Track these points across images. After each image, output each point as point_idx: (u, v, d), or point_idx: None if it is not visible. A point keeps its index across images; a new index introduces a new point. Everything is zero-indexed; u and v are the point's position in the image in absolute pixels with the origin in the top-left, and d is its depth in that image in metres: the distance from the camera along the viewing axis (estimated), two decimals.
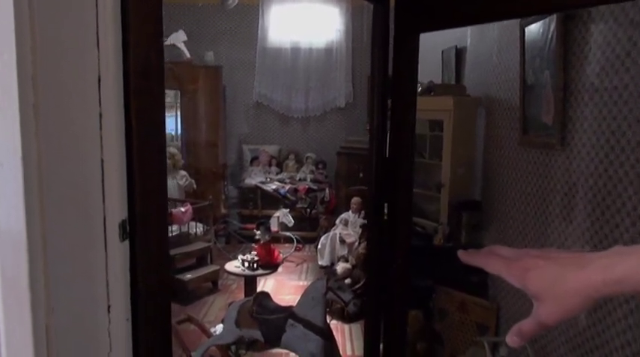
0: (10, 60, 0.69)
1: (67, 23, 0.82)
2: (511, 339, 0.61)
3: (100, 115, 0.88)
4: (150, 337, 1.00)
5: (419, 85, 4.47)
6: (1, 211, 0.71)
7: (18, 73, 0.69)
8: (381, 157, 2.00)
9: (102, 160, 0.89)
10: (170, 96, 7.15)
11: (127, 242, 0.94)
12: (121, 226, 0.93)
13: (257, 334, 3.09)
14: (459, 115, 4.00)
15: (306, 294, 3.06)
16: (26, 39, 0.71)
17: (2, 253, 0.71)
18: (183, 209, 5.11)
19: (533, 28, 2.89)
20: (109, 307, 0.92)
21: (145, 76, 0.95)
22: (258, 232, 4.42)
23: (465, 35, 4.39)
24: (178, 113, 6.66)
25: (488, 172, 3.77)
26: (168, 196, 5.71)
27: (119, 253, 0.92)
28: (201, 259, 5.19)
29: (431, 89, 4.26)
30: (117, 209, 0.92)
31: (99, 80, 0.88)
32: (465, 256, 0.68)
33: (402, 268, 1.93)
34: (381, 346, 2.11)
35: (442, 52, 4.86)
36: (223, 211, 6.57)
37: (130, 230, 0.95)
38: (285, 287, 5.12)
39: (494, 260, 0.65)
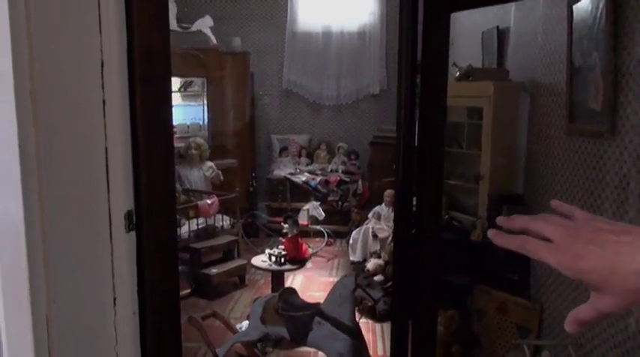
0: (4, 46, 0.70)
1: (65, 4, 0.83)
2: (569, 326, 0.61)
3: (104, 102, 0.90)
4: (158, 330, 1.01)
5: (457, 69, 4.40)
6: (0, 200, 0.73)
7: (13, 59, 0.70)
8: (409, 145, 1.97)
9: (106, 149, 0.90)
10: (198, 84, 7.26)
11: (133, 233, 0.96)
12: (127, 216, 0.95)
13: (283, 332, 3.11)
14: (499, 102, 3.90)
15: (333, 291, 3.06)
16: (21, 22, 0.72)
17: (1, 243, 0.74)
18: (209, 201, 5.18)
19: (582, 6, 2.79)
20: (114, 299, 0.94)
21: (150, 60, 0.96)
22: (286, 226, 4.44)
23: (508, 15, 4.27)
24: (205, 102, 6.74)
25: (532, 163, 3.67)
26: (195, 187, 5.81)
27: (125, 244, 0.94)
28: (227, 253, 5.25)
29: (469, 74, 4.17)
30: (122, 200, 0.93)
31: (102, 65, 0.89)
32: (499, 238, 0.62)
33: (431, 263, 1.90)
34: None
35: (482, 33, 4.74)
36: (251, 203, 6.63)
37: (137, 221, 0.97)
38: (314, 283, 5.13)
39: (537, 245, 0.60)
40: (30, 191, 0.76)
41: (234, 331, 3.66)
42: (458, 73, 4.30)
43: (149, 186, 1.01)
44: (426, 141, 1.95)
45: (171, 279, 1.06)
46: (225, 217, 5.48)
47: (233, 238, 5.36)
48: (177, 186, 5.63)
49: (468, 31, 5.02)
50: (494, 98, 3.90)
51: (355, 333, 2.94)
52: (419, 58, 2.01)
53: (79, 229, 0.91)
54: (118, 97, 0.95)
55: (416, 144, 1.98)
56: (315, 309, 3.04)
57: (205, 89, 6.63)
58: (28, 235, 0.75)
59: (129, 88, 0.97)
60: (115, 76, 0.94)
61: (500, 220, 0.65)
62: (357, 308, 4.14)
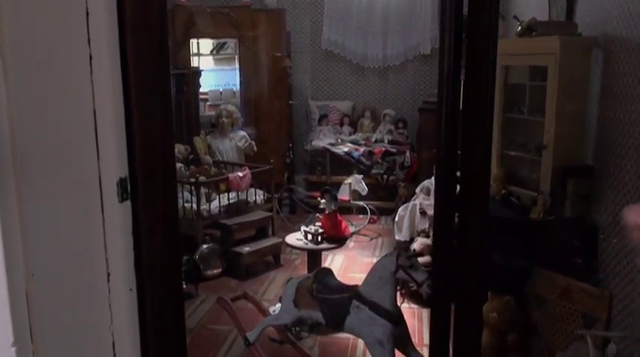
0: None
1: None
2: None
3: (90, 57, 0.88)
4: (158, 309, 1.02)
5: (518, 23, 4.22)
6: None
7: None
8: (453, 109, 1.91)
9: (94, 110, 0.89)
10: (230, 46, 7.28)
11: (128, 203, 0.96)
12: (120, 184, 0.95)
13: (318, 316, 3.13)
14: (567, 60, 3.73)
15: (372, 272, 3.05)
16: None
17: None
18: (241, 174, 5.23)
19: None
20: (108, 275, 0.94)
21: (144, 9, 0.93)
22: (323, 201, 4.43)
23: None
24: (238, 65, 6.77)
25: (605, 131, 3.52)
26: (226, 159, 5.88)
27: (118, 215, 0.94)
28: (261, 231, 5.32)
29: (532, 28, 4.00)
30: (114, 166, 0.92)
31: (87, 15, 0.87)
32: (634, 214, 0.60)
33: (476, 243, 1.85)
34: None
35: None
36: (287, 176, 6.66)
37: (132, 190, 0.97)
38: (355, 264, 5.15)
39: None
40: (3, 155, 0.76)
41: (265, 314, 3.71)
42: (519, 28, 4.13)
43: (144, 150, 1.00)
44: (473, 104, 1.88)
45: (172, 253, 1.06)
46: (258, 191, 5.53)
47: (267, 214, 5.41)
48: (208, 158, 5.71)
49: None
50: (560, 55, 3.73)
51: (396, 319, 2.92)
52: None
53: (65, 199, 0.91)
54: (106, 51, 0.93)
55: (461, 107, 1.93)
56: (352, 292, 3.04)
57: (237, 51, 6.65)
58: (2, 203, 0.75)
59: (119, 41, 0.95)
60: (102, 27, 0.92)
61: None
62: (402, 292, 4.13)
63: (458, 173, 2.09)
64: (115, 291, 0.98)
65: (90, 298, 0.96)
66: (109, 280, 0.98)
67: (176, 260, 1.06)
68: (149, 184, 1.02)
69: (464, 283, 2.02)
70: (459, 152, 2.06)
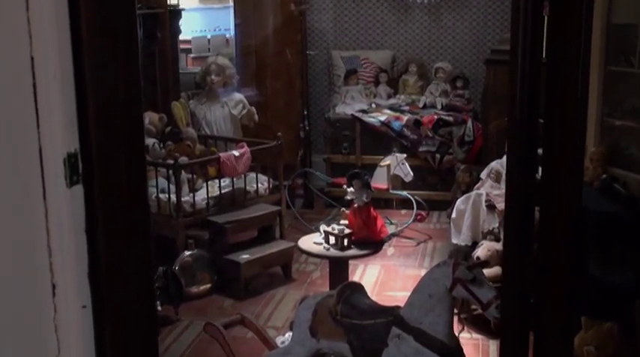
0: None
1: None
2: None
3: None
4: (121, 334, 1.03)
5: None
6: None
7: None
8: (531, 61, 1.90)
9: (32, 58, 0.89)
10: None
11: (79, 187, 0.96)
12: (69, 162, 0.95)
13: (343, 348, 3.17)
14: None
15: (420, 289, 3.09)
16: None
17: None
18: (237, 153, 5.24)
19: None
20: (53, 287, 0.95)
21: None
22: (350, 190, 4.44)
23: None
24: (232, 3, 6.80)
25: None
26: (217, 132, 5.90)
27: (67, 204, 0.94)
28: (265, 231, 5.34)
29: None
30: (60, 137, 0.93)
31: None
32: None
33: (563, 248, 1.85)
34: None
35: None
36: (301, 156, 6.67)
37: (85, 169, 0.97)
38: (396, 278, 5.17)
39: None
40: None
41: (271, 345, 3.75)
42: None
43: (100, 116, 1.00)
44: (559, 53, 1.87)
45: (141, 258, 1.07)
46: (261, 177, 5.55)
47: (273, 208, 5.43)
48: (191, 131, 5.74)
49: None
50: None
51: (452, 352, 2.95)
52: None
53: None
54: None
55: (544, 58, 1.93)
56: (392, 315, 3.07)
57: None
58: None
59: None
60: None
61: None
62: (460, 316, 4.14)
63: (539, 151, 2.09)
64: (63, 309, 1.00)
65: (27, 319, 0.98)
66: (54, 295, 0.99)
67: (146, 268, 1.07)
68: (108, 163, 1.03)
69: (546, 305, 2.02)
70: (540, 121, 2.06)
